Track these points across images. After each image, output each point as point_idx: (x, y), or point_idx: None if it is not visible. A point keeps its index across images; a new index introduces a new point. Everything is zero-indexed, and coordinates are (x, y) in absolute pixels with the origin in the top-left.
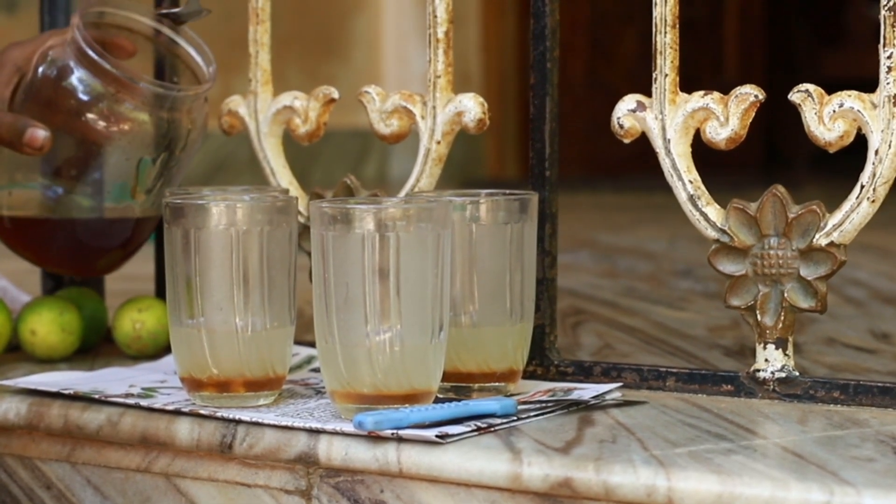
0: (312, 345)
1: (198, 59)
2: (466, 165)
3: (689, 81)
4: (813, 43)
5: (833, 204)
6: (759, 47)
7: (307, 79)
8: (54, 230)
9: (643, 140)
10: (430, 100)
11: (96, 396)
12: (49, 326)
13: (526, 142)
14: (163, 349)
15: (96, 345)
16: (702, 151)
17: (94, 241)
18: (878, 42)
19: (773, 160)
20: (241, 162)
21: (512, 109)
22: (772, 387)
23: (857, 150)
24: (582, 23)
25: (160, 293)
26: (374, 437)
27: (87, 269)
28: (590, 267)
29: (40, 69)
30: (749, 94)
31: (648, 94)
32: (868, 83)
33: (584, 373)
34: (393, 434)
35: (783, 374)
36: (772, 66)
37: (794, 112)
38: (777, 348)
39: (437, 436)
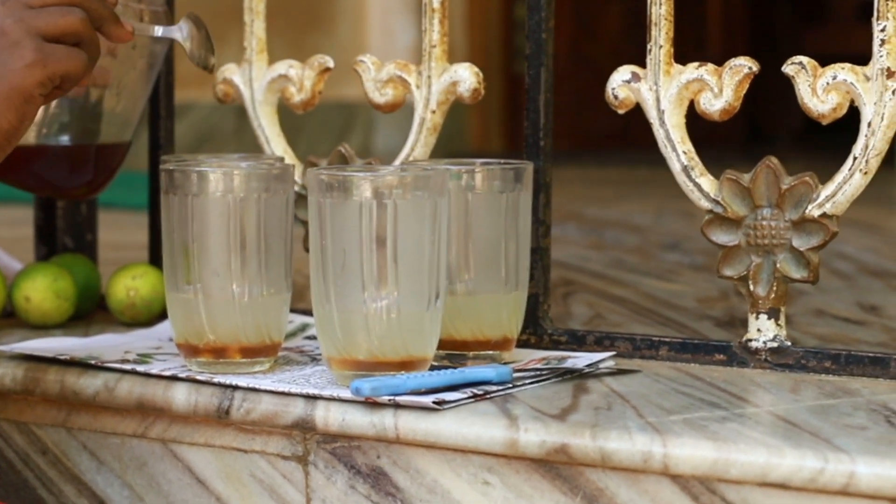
0: (305, 312)
1: None
2: (450, 139)
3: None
4: (795, 20)
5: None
6: (741, 25)
7: (292, 51)
8: (23, 156)
9: (626, 115)
10: (425, 69)
11: (92, 362)
12: (44, 293)
13: (509, 116)
14: (156, 316)
15: (90, 312)
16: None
17: (62, 166)
18: (861, 19)
19: (755, 137)
20: (227, 133)
21: (496, 84)
22: (764, 356)
23: (838, 127)
24: None
25: (153, 261)
26: (371, 404)
27: (66, 192)
28: (577, 239)
29: None
30: (743, 65)
31: None
32: (850, 60)
33: (577, 342)
34: (390, 400)
35: (775, 344)
36: (754, 44)
37: (776, 89)
38: (769, 318)
39: (434, 402)
